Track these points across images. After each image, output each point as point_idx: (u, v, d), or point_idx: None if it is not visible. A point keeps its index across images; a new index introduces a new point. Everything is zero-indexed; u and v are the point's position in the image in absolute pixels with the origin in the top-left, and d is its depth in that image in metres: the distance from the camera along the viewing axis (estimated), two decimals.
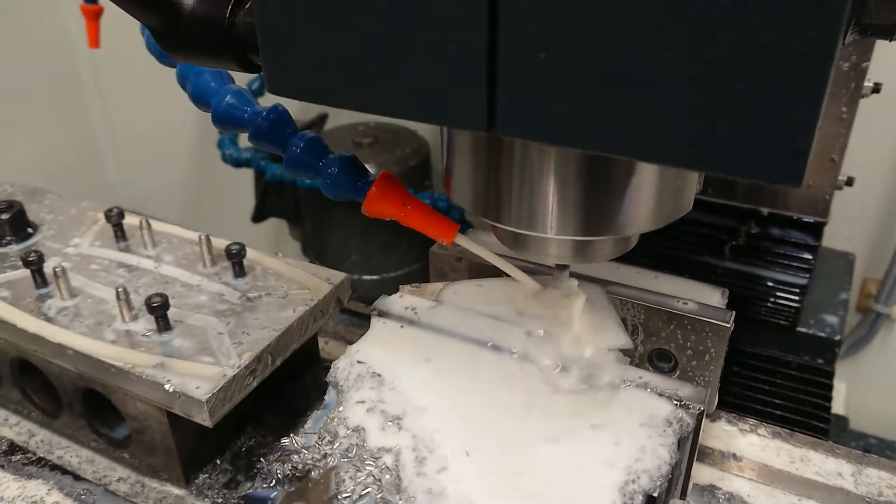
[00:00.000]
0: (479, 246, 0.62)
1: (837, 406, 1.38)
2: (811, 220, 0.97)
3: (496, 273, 0.70)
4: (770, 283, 1.00)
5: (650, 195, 0.49)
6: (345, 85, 0.41)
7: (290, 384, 0.83)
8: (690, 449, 0.57)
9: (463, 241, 0.60)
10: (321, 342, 0.90)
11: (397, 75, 0.39)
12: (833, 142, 0.92)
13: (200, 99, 0.59)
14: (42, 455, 0.76)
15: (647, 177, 0.49)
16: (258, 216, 1.53)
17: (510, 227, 0.52)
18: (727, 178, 0.35)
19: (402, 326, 0.62)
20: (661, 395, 0.55)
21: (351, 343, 0.63)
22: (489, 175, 0.51)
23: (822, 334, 1.03)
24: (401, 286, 0.67)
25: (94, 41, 1.20)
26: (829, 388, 1.03)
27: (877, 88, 0.89)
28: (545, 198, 0.49)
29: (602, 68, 0.35)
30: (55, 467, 0.74)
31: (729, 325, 0.64)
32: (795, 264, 0.99)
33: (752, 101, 0.33)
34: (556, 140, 0.38)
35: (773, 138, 0.33)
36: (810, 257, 0.98)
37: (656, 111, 0.35)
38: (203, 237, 0.81)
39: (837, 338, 1.02)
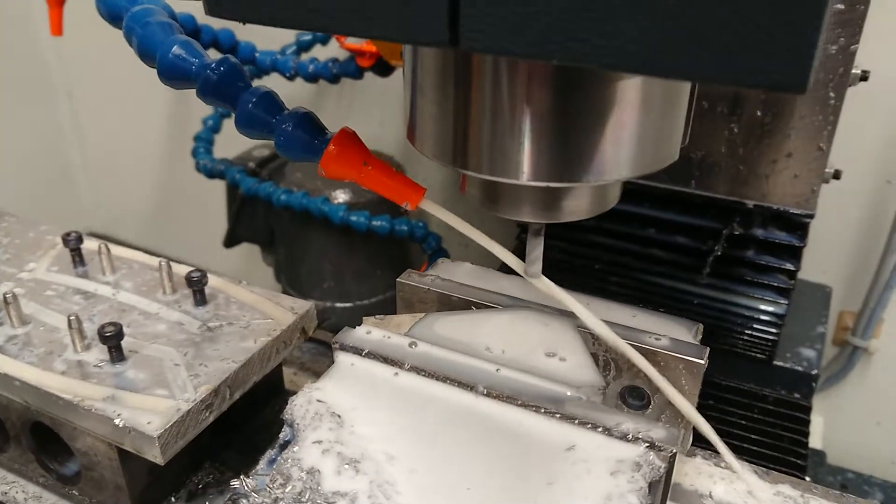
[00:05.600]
0: (448, 213, 0.56)
1: (815, 440, 1.36)
2: (798, 213, 0.92)
3: (465, 305, 0.68)
4: (747, 314, 0.98)
5: (631, 135, 0.45)
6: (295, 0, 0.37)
7: (253, 417, 0.80)
8: (662, 493, 0.55)
9: (429, 205, 0.55)
10: (289, 373, 0.87)
11: None
12: (820, 129, 0.87)
13: (146, 52, 0.54)
14: None
15: (627, 113, 0.44)
16: (230, 240, 1.50)
17: (480, 174, 0.47)
18: (727, 87, 0.31)
19: (365, 362, 0.59)
20: (631, 437, 0.52)
21: (318, 375, 0.60)
22: (456, 114, 0.46)
23: (800, 368, 1.01)
24: (364, 318, 0.64)
25: (57, 28, 1.17)
26: (807, 423, 1.01)
27: (864, 76, 0.84)
28: (517, 136, 0.44)
29: None
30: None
31: (703, 363, 0.62)
32: (776, 284, 0.97)
33: None
34: (528, 52, 0.33)
35: (775, 37, 0.29)
36: (793, 268, 0.95)
37: (645, 10, 0.30)
38: (163, 263, 0.78)
39: (815, 372, 1.01)
